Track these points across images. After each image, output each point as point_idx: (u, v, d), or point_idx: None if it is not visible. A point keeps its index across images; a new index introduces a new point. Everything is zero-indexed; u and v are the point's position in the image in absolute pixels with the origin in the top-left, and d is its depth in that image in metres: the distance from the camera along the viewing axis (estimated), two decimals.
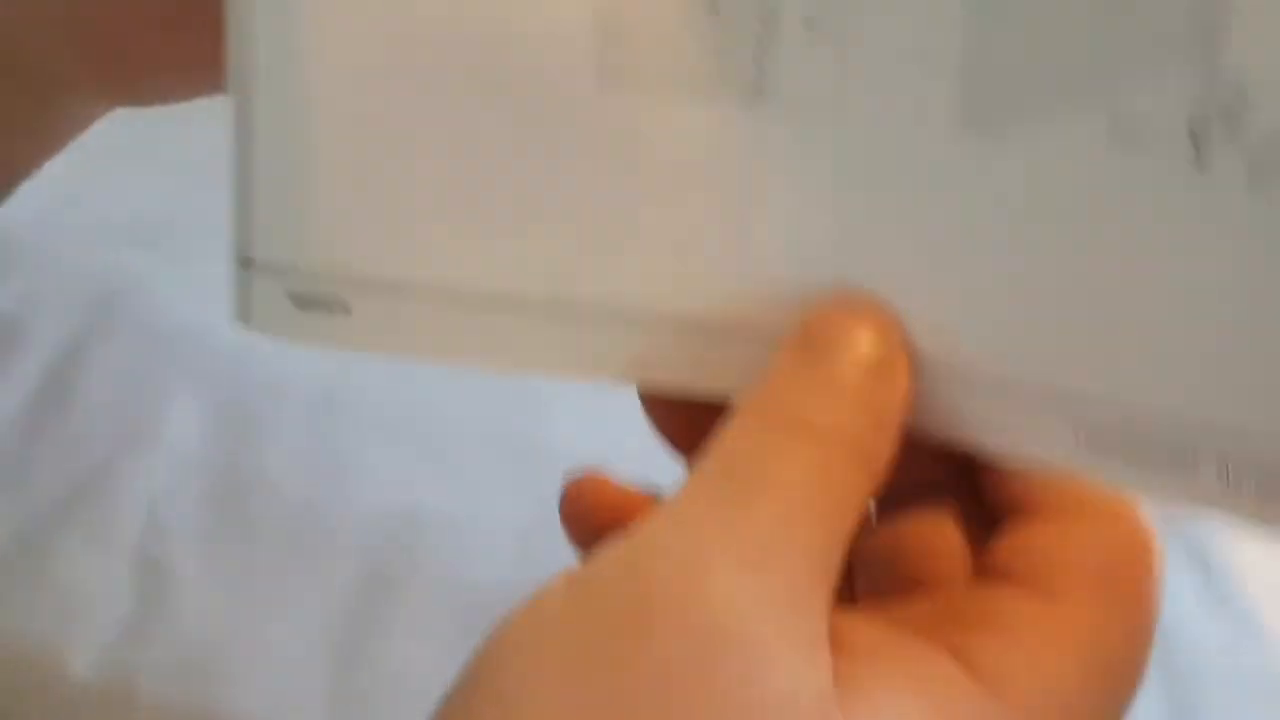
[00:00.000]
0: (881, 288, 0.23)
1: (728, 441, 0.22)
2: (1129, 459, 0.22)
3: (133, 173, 0.45)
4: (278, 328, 0.25)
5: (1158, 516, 0.37)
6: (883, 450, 0.22)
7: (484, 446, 0.40)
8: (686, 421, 0.25)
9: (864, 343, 0.22)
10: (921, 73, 0.22)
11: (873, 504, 0.24)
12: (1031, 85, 0.22)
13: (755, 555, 0.20)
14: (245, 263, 0.25)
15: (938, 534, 0.24)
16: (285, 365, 0.38)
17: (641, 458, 0.26)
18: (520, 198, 0.24)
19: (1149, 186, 0.21)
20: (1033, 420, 0.22)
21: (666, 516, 0.21)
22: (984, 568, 0.23)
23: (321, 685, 0.35)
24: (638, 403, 0.26)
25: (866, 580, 0.25)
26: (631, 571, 0.20)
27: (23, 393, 0.37)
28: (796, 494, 0.21)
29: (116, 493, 0.36)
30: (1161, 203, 0.21)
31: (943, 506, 0.24)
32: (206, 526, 0.36)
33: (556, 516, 0.26)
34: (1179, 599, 0.38)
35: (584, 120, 0.23)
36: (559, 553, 0.26)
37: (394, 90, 0.24)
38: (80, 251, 0.42)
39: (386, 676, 0.35)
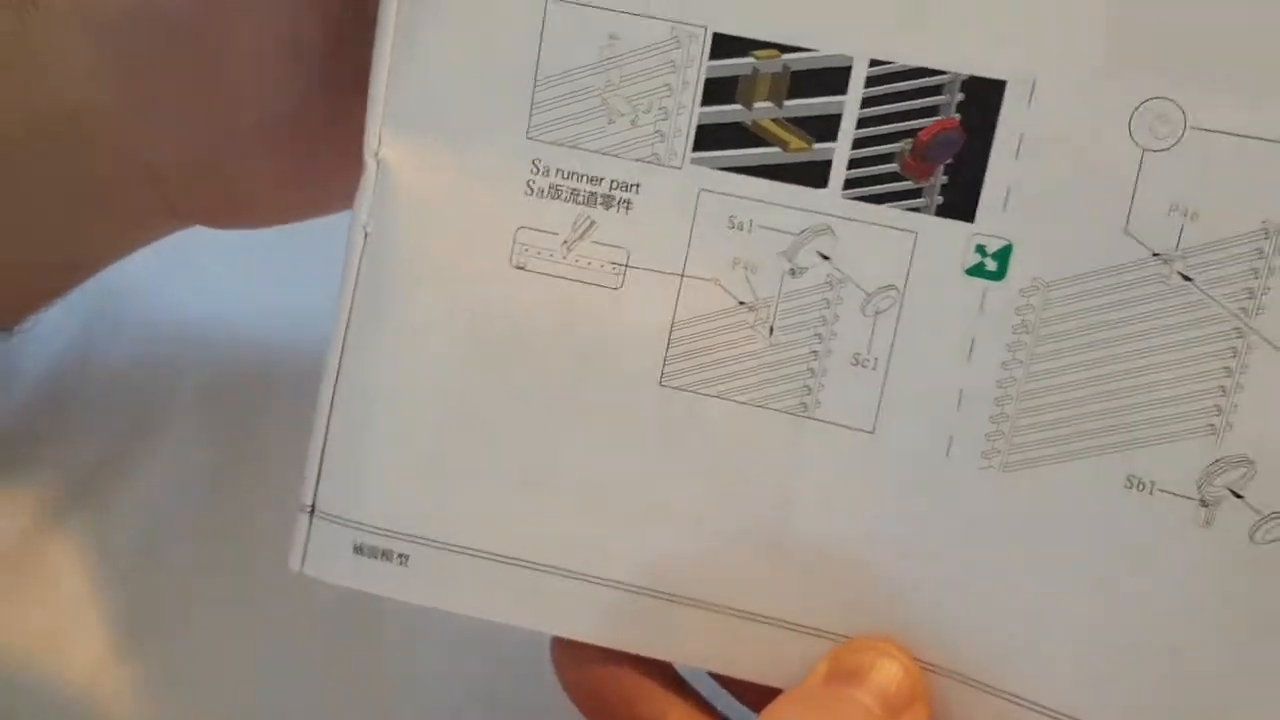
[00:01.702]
0: (899, 601, 0.25)
1: None
2: None
3: None
4: (333, 573, 0.27)
5: None
6: None
7: None
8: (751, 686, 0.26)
9: (892, 675, 0.24)
10: (956, 409, 0.24)
11: None
12: (1057, 436, 0.24)
13: None
14: (309, 510, 0.27)
15: None
16: (285, 366, 0.37)
17: None
18: (578, 481, 0.26)
19: (1156, 536, 0.23)
20: None
21: None
22: None
23: (321, 685, 0.35)
24: None
25: None
26: None
27: (23, 392, 0.37)
28: None
29: (117, 492, 0.36)
30: (1165, 553, 0.23)
31: None
32: (207, 525, 0.36)
33: None
34: None
35: (644, 415, 0.26)
36: None
37: (470, 374, 0.26)
38: None
39: (386, 675, 0.35)
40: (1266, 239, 0.22)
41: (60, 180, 0.29)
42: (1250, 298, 0.22)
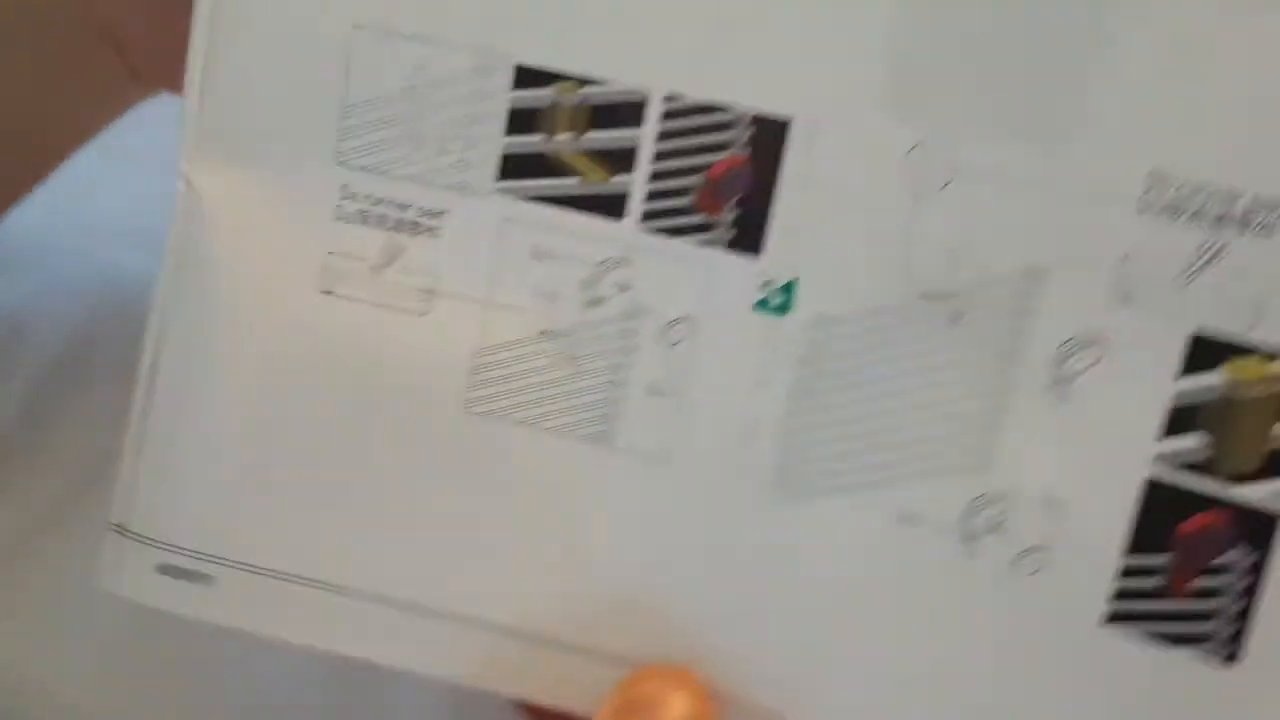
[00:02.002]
0: (692, 629, 0.26)
1: None
2: None
3: (133, 173, 0.45)
4: (143, 593, 0.28)
5: None
6: None
7: None
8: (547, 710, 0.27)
9: (680, 704, 0.25)
10: (745, 439, 0.25)
11: None
12: (838, 469, 0.25)
13: None
14: (121, 530, 0.28)
15: None
16: None
17: None
18: (382, 505, 0.27)
19: (924, 569, 0.24)
20: None
21: None
22: None
23: (320, 685, 0.35)
24: None
25: None
26: None
27: (23, 392, 0.37)
28: None
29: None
30: (933, 585, 0.24)
31: None
32: None
33: None
34: None
35: (447, 441, 0.26)
36: None
37: (277, 398, 0.27)
38: (80, 251, 0.41)
39: (384, 674, 0.35)
40: (1029, 281, 0.23)
41: (20, 48, 0.29)
42: (1013, 338, 0.23)
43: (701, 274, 0.25)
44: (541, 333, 0.26)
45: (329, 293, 0.26)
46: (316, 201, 0.26)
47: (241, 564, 0.27)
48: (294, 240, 0.26)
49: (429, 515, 0.26)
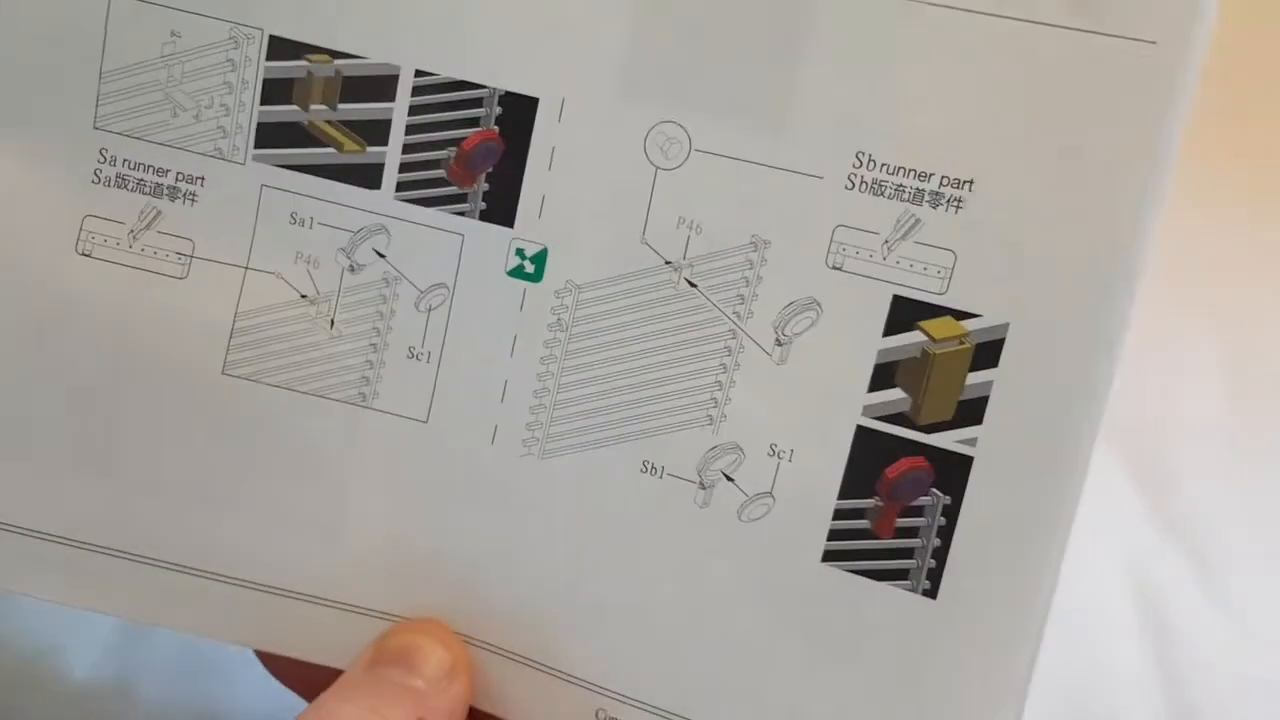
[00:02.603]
0: (446, 581, 0.27)
1: None
2: None
3: None
4: None
5: (1160, 521, 0.40)
6: None
7: None
8: (301, 669, 0.27)
9: (432, 654, 0.26)
10: (499, 399, 0.26)
11: None
12: (586, 426, 0.26)
13: None
14: None
15: None
16: None
17: None
18: (138, 466, 0.27)
19: (664, 516, 0.26)
20: (563, 699, 0.27)
21: None
22: None
23: None
24: None
25: None
26: None
27: None
28: None
29: None
30: (672, 530, 0.26)
31: None
32: None
33: None
34: (1179, 599, 0.39)
35: (205, 403, 0.27)
36: None
37: (28, 359, 0.27)
38: None
39: None
40: (755, 250, 0.25)
41: None
42: (742, 302, 0.25)
43: (456, 243, 0.26)
44: (302, 297, 0.27)
45: (87, 255, 0.27)
46: (73, 164, 0.26)
47: None
48: (51, 202, 0.26)
49: (186, 475, 0.27)
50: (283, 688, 0.29)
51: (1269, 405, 0.42)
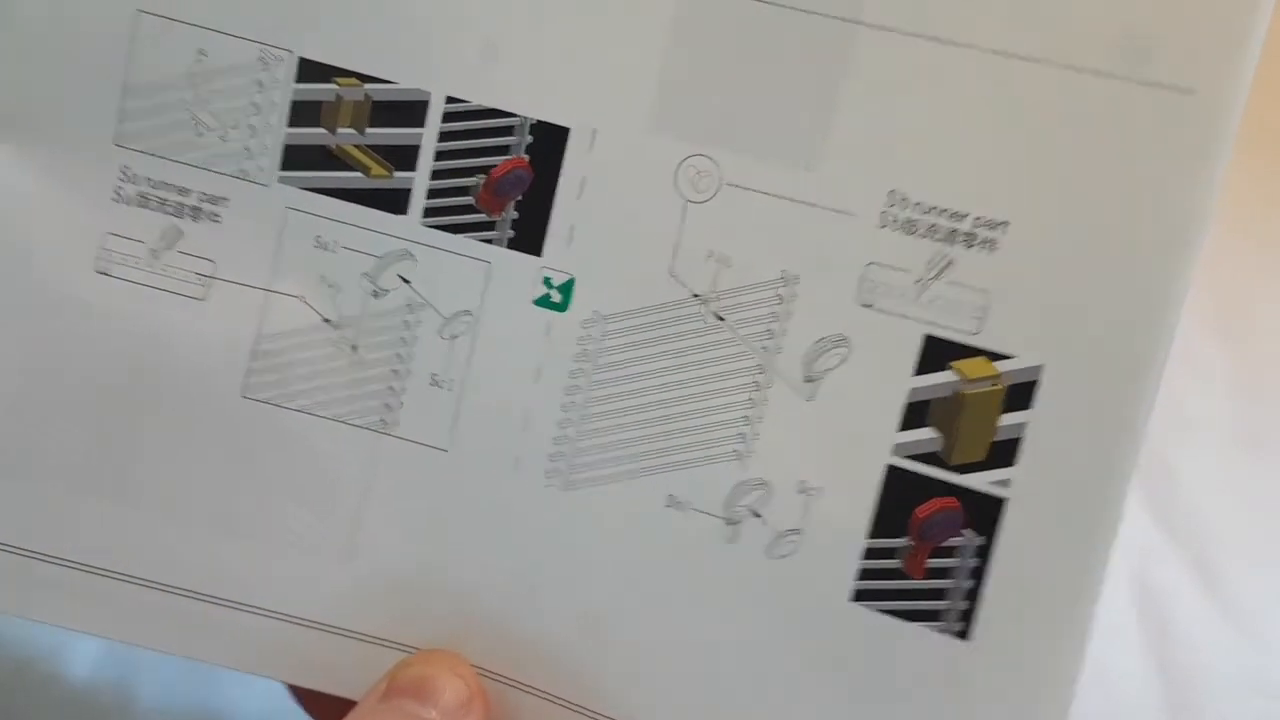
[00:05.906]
0: (463, 611, 0.26)
1: None
2: None
3: None
4: None
5: (1160, 521, 0.39)
6: None
7: None
8: (331, 703, 0.27)
9: (448, 686, 0.26)
10: (523, 429, 0.26)
11: None
12: (610, 458, 0.26)
13: None
14: None
15: None
16: None
17: None
18: (153, 488, 0.27)
19: (691, 551, 0.25)
20: None
21: None
22: None
23: None
24: None
25: None
26: None
27: None
28: None
29: None
30: (699, 562, 0.25)
31: None
32: None
33: None
34: (1179, 599, 0.39)
35: (223, 426, 0.26)
36: None
37: (42, 377, 0.26)
38: None
39: None
40: (785, 286, 0.25)
41: None
42: (770, 337, 0.25)
43: (483, 270, 0.26)
44: (325, 321, 0.26)
45: (104, 274, 0.26)
46: (95, 182, 0.26)
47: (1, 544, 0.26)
48: (71, 219, 0.26)
49: (201, 500, 0.26)
50: (283, 688, 0.29)
51: (1269, 406, 0.42)
